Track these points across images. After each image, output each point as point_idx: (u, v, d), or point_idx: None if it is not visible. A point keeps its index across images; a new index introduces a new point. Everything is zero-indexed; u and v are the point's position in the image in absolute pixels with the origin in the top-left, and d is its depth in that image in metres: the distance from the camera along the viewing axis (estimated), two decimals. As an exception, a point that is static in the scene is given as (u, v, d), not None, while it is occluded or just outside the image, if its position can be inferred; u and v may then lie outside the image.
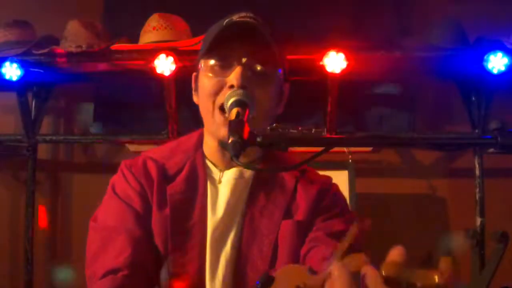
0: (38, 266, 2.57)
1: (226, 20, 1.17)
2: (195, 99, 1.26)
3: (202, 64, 1.20)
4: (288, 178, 1.23)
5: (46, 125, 2.69)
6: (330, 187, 1.27)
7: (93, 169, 2.75)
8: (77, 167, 2.78)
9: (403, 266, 0.67)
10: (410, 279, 0.65)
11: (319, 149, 1.03)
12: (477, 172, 2.40)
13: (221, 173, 1.22)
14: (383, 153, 2.63)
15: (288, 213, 1.19)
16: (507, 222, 2.37)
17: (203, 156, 1.25)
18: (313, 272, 0.76)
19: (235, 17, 1.18)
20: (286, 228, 1.17)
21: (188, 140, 1.30)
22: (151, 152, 1.30)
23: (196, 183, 1.21)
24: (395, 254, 0.69)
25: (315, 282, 0.74)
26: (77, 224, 2.73)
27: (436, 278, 0.63)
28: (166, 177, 1.22)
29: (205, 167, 1.23)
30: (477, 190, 2.39)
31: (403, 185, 2.62)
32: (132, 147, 2.61)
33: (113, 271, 1.09)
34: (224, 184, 1.21)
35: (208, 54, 1.18)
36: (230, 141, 0.98)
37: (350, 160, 2.34)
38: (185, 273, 1.14)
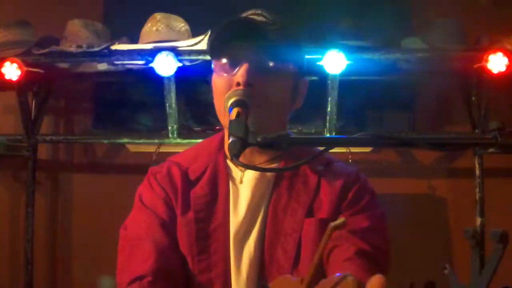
0: (38, 266, 2.57)
1: (231, 18, 1.17)
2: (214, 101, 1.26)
3: (214, 63, 1.20)
4: (310, 173, 1.21)
5: (46, 125, 2.69)
6: (355, 180, 1.22)
7: (93, 169, 2.75)
8: (77, 167, 2.78)
9: None
10: None
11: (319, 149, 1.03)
12: (477, 172, 2.40)
13: (242, 173, 1.22)
14: (383, 153, 2.63)
15: (311, 211, 1.17)
16: (507, 222, 2.37)
17: (225, 157, 1.25)
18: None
19: (241, 15, 1.18)
20: (309, 226, 1.15)
21: (211, 142, 1.30)
22: (176, 157, 1.31)
23: (218, 184, 1.21)
24: (375, 283, 0.66)
25: None
26: (77, 224, 2.73)
27: None
28: (189, 182, 1.23)
29: (227, 167, 1.23)
30: (477, 190, 2.39)
31: (403, 185, 2.62)
32: (132, 147, 2.61)
33: (139, 278, 1.11)
34: (245, 184, 1.20)
35: (217, 54, 1.18)
36: (230, 141, 0.98)
37: (350, 160, 2.34)
38: (211, 276, 1.15)
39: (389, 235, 1.21)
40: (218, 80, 1.18)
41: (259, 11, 1.18)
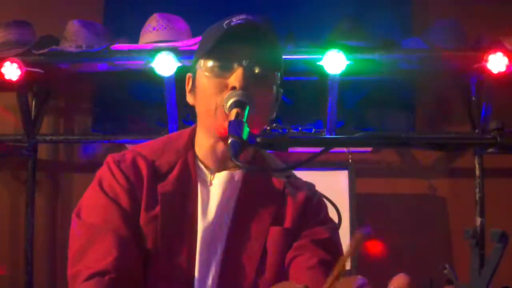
0: (38, 266, 2.57)
1: (226, 22, 1.16)
2: (190, 100, 1.24)
3: (201, 64, 1.18)
4: (276, 183, 1.22)
5: (46, 125, 2.69)
6: (314, 194, 1.26)
7: (93, 169, 2.72)
8: (77, 167, 2.78)
9: None
10: None
11: (319, 149, 1.03)
12: (477, 172, 2.40)
13: (212, 175, 1.20)
14: (383, 153, 2.63)
15: (276, 219, 1.18)
16: (507, 222, 2.37)
17: (195, 157, 1.23)
18: None
19: (235, 19, 1.17)
20: (274, 234, 1.16)
21: (179, 138, 1.27)
22: (140, 148, 1.26)
23: (187, 183, 1.19)
24: (399, 282, 0.68)
25: None
26: (77, 224, 2.73)
27: None
28: (156, 175, 1.19)
29: (196, 168, 1.21)
30: (477, 190, 2.40)
31: (403, 185, 2.62)
32: (132, 147, 2.61)
33: (100, 274, 1.05)
34: (215, 187, 1.19)
35: (208, 55, 1.17)
36: (229, 141, 0.97)
37: (350, 160, 2.34)
38: (173, 275, 1.12)
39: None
40: (207, 82, 1.16)
41: (250, 17, 1.17)
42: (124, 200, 1.15)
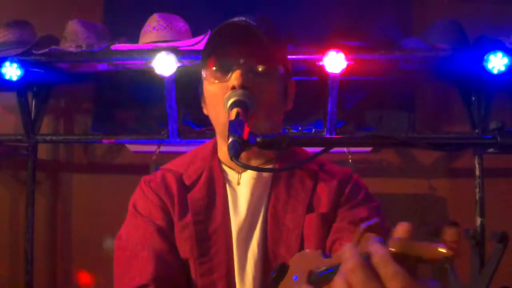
0: (38, 266, 2.57)
1: (220, 25, 1.17)
2: (205, 111, 1.27)
3: (204, 72, 1.20)
4: (307, 173, 1.24)
5: (46, 125, 2.69)
6: (350, 178, 1.27)
7: (93, 169, 2.75)
8: (77, 167, 2.78)
9: (410, 241, 0.66)
10: (418, 253, 0.64)
11: (319, 149, 1.03)
12: (477, 172, 2.40)
13: (239, 175, 1.23)
14: (383, 153, 2.63)
15: (310, 207, 1.19)
16: (507, 222, 2.37)
17: (219, 162, 1.27)
18: (326, 256, 0.75)
19: (228, 21, 1.18)
20: (310, 221, 1.17)
21: (204, 148, 1.32)
22: (169, 165, 1.32)
23: (215, 187, 1.22)
24: (401, 230, 0.68)
25: (329, 265, 0.73)
26: (77, 224, 2.73)
27: (443, 250, 0.62)
28: (185, 187, 1.24)
29: (222, 171, 1.25)
30: (477, 190, 2.39)
31: (403, 185, 2.62)
32: (132, 147, 2.61)
33: (140, 287, 1.10)
34: (243, 185, 1.22)
35: (207, 61, 1.18)
36: (229, 141, 0.97)
37: (350, 160, 2.34)
38: (214, 278, 1.15)
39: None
40: (210, 87, 1.18)
41: (243, 18, 1.17)
42: (157, 216, 1.20)
